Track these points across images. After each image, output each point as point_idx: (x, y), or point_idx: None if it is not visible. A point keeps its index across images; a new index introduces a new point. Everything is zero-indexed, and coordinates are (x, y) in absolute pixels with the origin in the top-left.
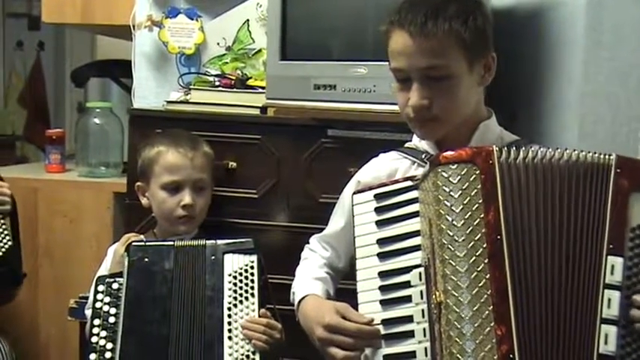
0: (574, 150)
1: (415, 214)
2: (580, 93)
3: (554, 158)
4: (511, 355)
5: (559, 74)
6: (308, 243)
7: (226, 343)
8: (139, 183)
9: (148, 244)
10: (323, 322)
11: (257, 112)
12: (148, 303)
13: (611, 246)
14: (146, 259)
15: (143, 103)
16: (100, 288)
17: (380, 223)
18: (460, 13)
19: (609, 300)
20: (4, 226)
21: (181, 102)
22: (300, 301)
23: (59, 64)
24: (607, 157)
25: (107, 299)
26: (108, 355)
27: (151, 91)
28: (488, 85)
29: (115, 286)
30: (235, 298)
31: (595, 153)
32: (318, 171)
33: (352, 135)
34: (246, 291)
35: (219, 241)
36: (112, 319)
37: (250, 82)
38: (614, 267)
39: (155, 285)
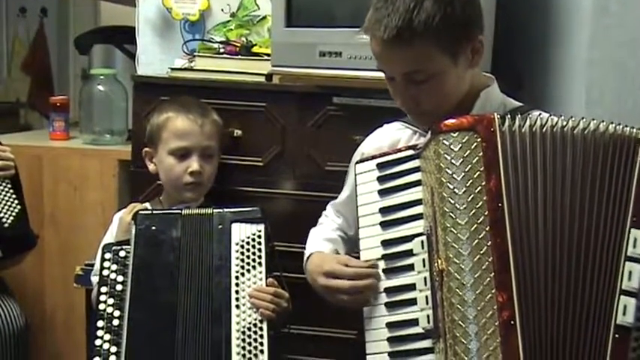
0: (595, 120)
1: (417, 183)
2: (587, 60)
3: (569, 127)
4: (512, 322)
5: (566, 42)
6: (314, 210)
7: (234, 311)
8: (146, 149)
9: (155, 212)
10: (323, 271)
11: (262, 79)
12: (156, 271)
13: (634, 219)
14: (153, 228)
15: (147, 70)
16: (107, 256)
17: (382, 192)
18: (436, 9)
19: (630, 272)
20: (10, 191)
21: (186, 69)
22: (307, 261)
23: (62, 31)
24: (634, 130)
25: (114, 267)
26: (115, 322)
27: (155, 58)
28: (494, 54)
29: (122, 253)
30: (243, 267)
31: (620, 124)
32: (324, 139)
33: (358, 102)
34: (254, 260)
35: (227, 210)
36: (119, 287)
37: (255, 50)
38: (637, 240)
39: (163, 253)
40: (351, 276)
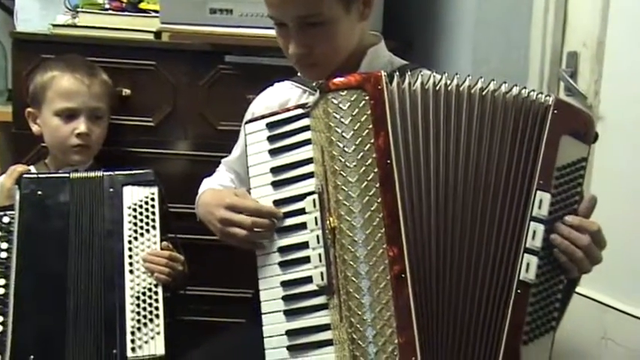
0: (505, 84)
1: (307, 142)
2: (474, 21)
3: (465, 87)
4: (403, 275)
5: (454, 3)
6: (208, 171)
7: (127, 276)
8: (29, 109)
9: (41, 176)
10: (223, 203)
11: (151, 37)
12: (43, 238)
13: (541, 182)
14: (39, 192)
15: (27, 27)
16: None
17: (273, 152)
18: None
19: (534, 232)
20: None
21: (69, 25)
22: (199, 197)
23: None
24: (546, 97)
25: None
26: (1, 291)
27: (35, 14)
28: (383, 14)
29: (5, 219)
30: (136, 231)
31: (533, 91)
32: (217, 98)
33: (251, 61)
34: (147, 223)
35: (118, 173)
36: (3, 255)
37: (142, 6)
38: (542, 202)
39: (50, 219)
40: (253, 211)
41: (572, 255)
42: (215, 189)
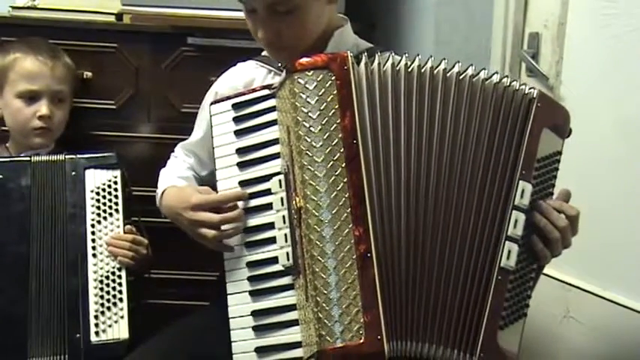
0: (486, 71)
1: (273, 123)
2: (436, 1)
3: (441, 69)
4: (368, 254)
5: None
6: (171, 153)
7: (90, 260)
8: None
9: (1, 160)
10: (189, 204)
11: (112, 19)
12: (3, 222)
13: (523, 172)
14: (0, 176)
15: None
16: None
17: (238, 133)
18: None
19: (516, 220)
20: None
21: (28, 7)
22: (162, 196)
23: None
24: (530, 89)
25: None
26: None
27: None
28: None
29: None
30: (99, 215)
31: (515, 81)
32: (179, 80)
33: (213, 43)
34: (110, 207)
35: (80, 156)
36: None
37: None
38: (524, 191)
39: (11, 203)
40: (218, 202)
41: (550, 234)
42: (177, 187)
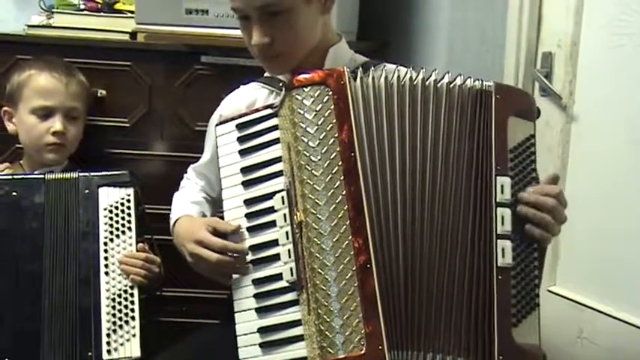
0: (449, 74)
1: (276, 141)
2: (449, 20)
3: (431, 80)
4: (368, 265)
5: (429, 3)
6: (184, 172)
7: (103, 278)
8: (5, 108)
9: (15, 177)
10: (193, 238)
11: (126, 37)
12: (18, 239)
13: (498, 167)
14: (14, 193)
15: (2, 27)
16: None
17: (243, 152)
18: None
19: (502, 217)
20: None
21: (44, 26)
22: (175, 224)
23: None
24: (487, 83)
25: None
26: None
27: (9, 15)
28: (359, 14)
29: None
30: (112, 233)
31: (470, 78)
32: (193, 99)
33: (227, 62)
34: (123, 225)
35: (93, 174)
36: None
37: (118, 6)
38: (504, 186)
39: (25, 220)
40: (218, 249)
41: (542, 220)
42: (189, 218)
